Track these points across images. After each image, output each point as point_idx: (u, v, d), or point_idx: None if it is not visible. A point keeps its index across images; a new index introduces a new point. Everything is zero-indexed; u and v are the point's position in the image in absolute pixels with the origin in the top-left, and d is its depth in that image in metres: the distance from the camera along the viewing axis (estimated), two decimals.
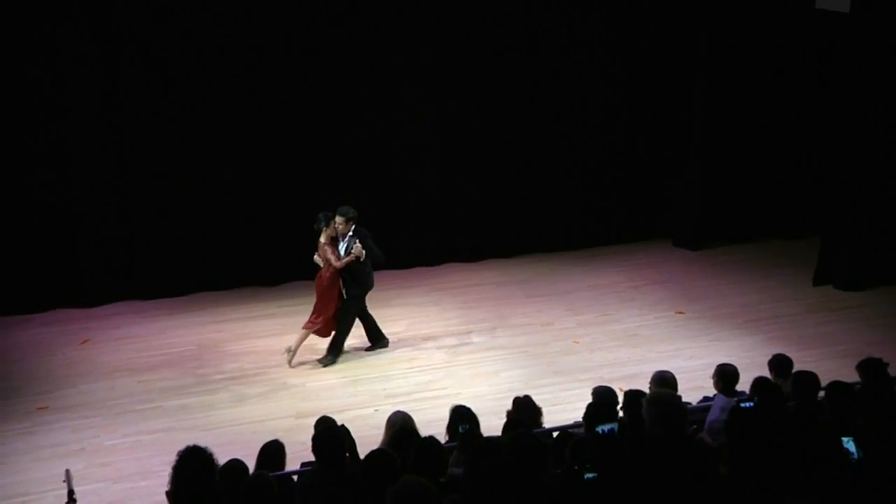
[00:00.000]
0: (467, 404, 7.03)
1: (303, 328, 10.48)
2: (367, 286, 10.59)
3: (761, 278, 12.65)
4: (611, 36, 13.33)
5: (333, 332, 10.53)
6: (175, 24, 11.67)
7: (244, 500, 5.26)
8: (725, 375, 7.48)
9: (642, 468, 5.28)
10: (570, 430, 6.81)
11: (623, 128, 13.69)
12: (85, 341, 11.19)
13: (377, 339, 10.84)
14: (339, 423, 6.58)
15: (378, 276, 12.89)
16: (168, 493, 5.80)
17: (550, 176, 13.53)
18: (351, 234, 10.28)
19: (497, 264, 13.33)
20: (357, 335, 10.81)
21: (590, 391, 7.27)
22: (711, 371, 7.67)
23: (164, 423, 9.37)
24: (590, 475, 5.14)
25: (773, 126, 13.62)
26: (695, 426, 7.06)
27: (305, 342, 10.52)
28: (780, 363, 7.69)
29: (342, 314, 10.51)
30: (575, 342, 10.98)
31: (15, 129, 11.43)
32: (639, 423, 5.98)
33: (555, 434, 6.88)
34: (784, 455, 5.44)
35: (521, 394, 7.40)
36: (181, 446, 5.78)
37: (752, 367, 8.17)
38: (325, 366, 10.46)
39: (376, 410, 9.16)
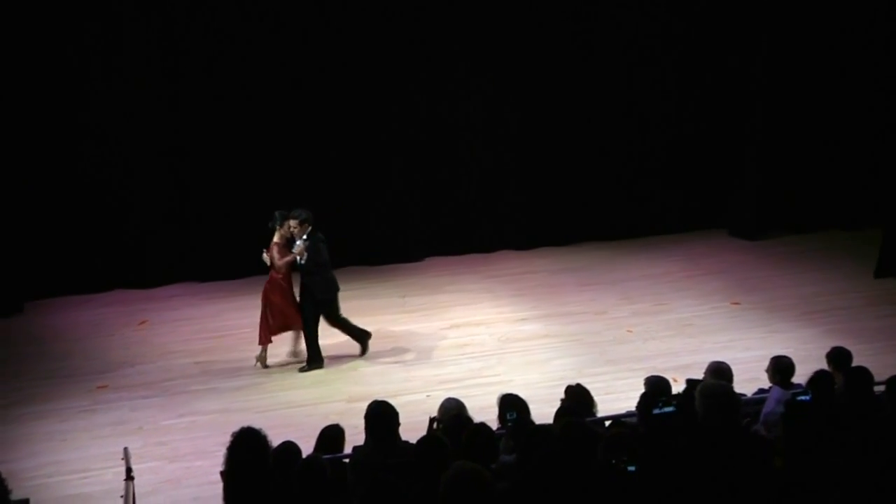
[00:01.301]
0: (518, 392, 7.02)
1: (259, 343, 10.10)
2: (326, 293, 10.01)
3: (820, 269, 12.43)
4: (668, 20, 13.16)
5: (306, 347, 10.09)
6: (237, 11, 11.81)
7: (297, 482, 5.31)
8: (781, 367, 7.38)
9: (694, 459, 5.23)
10: (622, 420, 6.77)
11: (681, 115, 13.53)
12: (143, 322, 11.38)
13: (362, 339, 10.34)
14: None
15: (432, 262, 13.01)
16: (222, 474, 5.88)
17: (606, 163, 13.43)
18: (305, 237, 9.81)
19: (551, 252, 13.28)
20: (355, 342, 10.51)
21: (643, 381, 7.21)
22: (766, 363, 7.57)
23: (218, 405, 9.50)
24: (630, 468, 5.10)
25: (835, 114, 13.35)
26: (749, 418, 6.97)
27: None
28: (838, 356, 7.55)
29: (304, 322, 10.02)
30: (628, 331, 10.90)
31: (76, 112, 11.65)
32: (693, 412, 5.92)
33: (607, 423, 6.84)
34: (840, 450, 5.35)
35: (572, 382, 7.37)
36: (235, 427, 5.84)
37: (809, 360, 8.05)
38: (301, 371, 10.08)
39: (428, 396, 9.19)
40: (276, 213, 9.95)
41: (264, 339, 10.10)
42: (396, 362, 10.32)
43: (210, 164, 12.15)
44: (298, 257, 9.85)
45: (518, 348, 10.56)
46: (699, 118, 13.57)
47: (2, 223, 11.37)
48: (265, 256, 9.95)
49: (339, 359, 10.38)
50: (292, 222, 9.80)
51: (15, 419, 9.26)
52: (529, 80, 12.90)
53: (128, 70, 11.70)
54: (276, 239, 9.93)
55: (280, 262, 9.90)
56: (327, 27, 12.11)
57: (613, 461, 5.14)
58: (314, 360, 10.12)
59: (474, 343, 10.69)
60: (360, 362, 10.29)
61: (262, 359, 10.15)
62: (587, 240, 13.48)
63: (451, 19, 12.50)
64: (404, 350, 10.59)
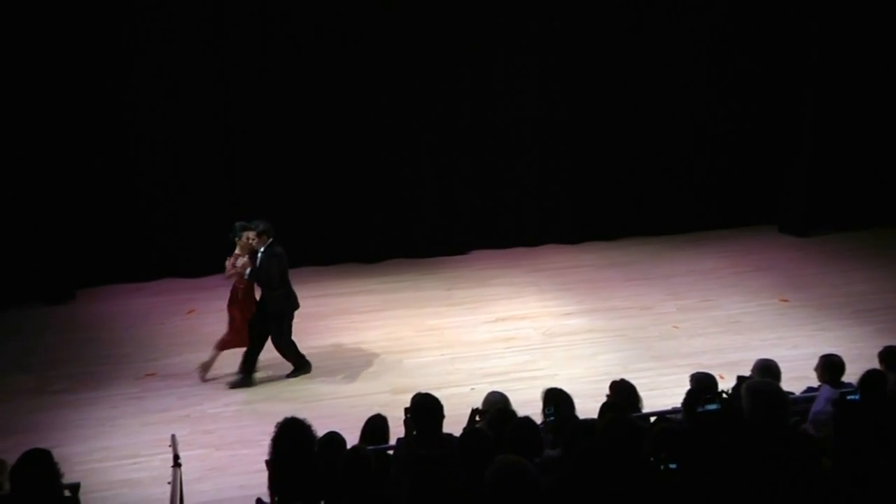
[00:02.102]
0: (563, 386, 7.00)
1: (216, 348, 9.77)
2: (276, 306, 9.55)
3: (872, 267, 12.23)
4: (720, 15, 13.02)
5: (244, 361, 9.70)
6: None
7: (342, 473, 5.35)
8: (831, 366, 7.27)
9: (739, 457, 5.18)
10: (667, 416, 6.72)
11: (730, 110, 13.38)
12: (191, 311, 11.52)
13: (300, 365, 9.85)
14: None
15: (477, 255, 12.99)
16: (268, 462, 5.94)
17: (654, 158, 13.33)
18: (262, 250, 9.43)
19: (597, 247, 13.21)
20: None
21: (688, 377, 7.15)
22: (815, 361, 7.47)
23: (264, 394, 9.59)
24: (672, 465, 5.06)
25: (888, 110, 13.12)
26: (797, 417, 6.89)
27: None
28: (890, 355, 7.40)
29: (253, 337, 9.64)
30: (674, 327, 10.82)
31: (129, 101, 11.80)
32: (740, 410, 5.86)
33: (652, 419, 6.79)
34: (891, 451, 5.27)
35: (617, 377, 7.33)
36: (280, 417, 5.90)
37: (860, 359, 7.92)
38: (231, 387, 9.64)
39: (472, 389, 9.18)
40: (237, 224, 9.60)
41: (225, 348, 9.74)
42: (441, 355, 10.33)
43: (260, 157, 12.25)
44: (242, 275, 9.48)
45: (563, 343, 10.53)
46: (750, 113, 13.41)
47: (55, 212, 11.56)
48: (227, 264, 9.61)
49: (384, 352, 10.42)
50: (250, 234, 9.43)
51: (67, 404, 9.43)
52: (580, 73, 12.83)
53: (179, 57, 11.81)
54: (237, 250, 9.55)
55: (225, 275, 9.63)
56: (380, 13, 12.12)
57: (654, 458, 5.11)
58: (301, 366, 9.83)
59: (519, 337, 10.67)
60: (403, 356, 10.31)
61: (204, 366, 9.75)
62: (634, 235, 13.40)
63: (504, 9, 12.47)
64: (449, 343, 10.59)
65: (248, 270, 9.51)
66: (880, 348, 7.58)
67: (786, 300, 11.42)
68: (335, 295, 11.84)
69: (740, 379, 6.62)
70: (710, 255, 12.81)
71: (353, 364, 10.17)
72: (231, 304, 9.76)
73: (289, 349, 9.82)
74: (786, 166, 13.48)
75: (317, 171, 12.38)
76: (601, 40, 12.76)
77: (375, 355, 10.33)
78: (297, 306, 9.77)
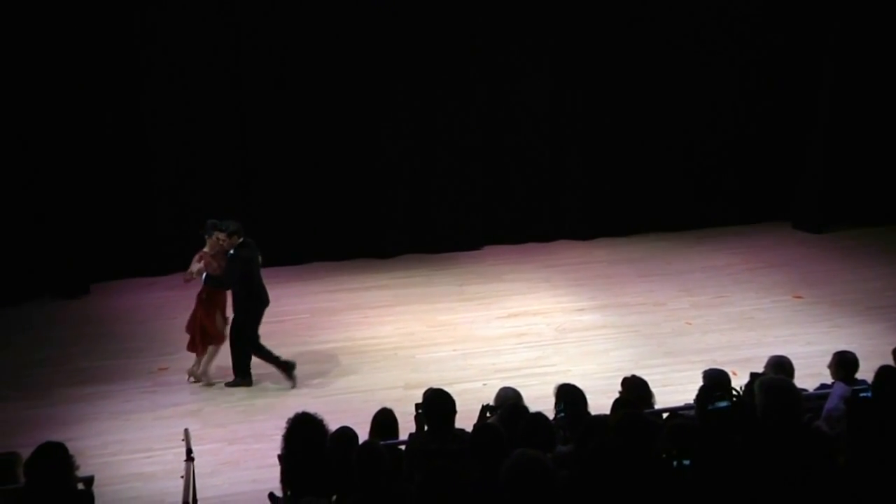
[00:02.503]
0: (576, 382, 6.99)
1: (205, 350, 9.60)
2: (240, 306, 9.41)
3: (886, 264, 12.19)
4: (735, 11, 12.96)
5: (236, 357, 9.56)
6: None
7: (356, 467, 5.35)
8: (845, 363, 7.24)
9: (752, 454, 5.16)
10: (679, 413, 6.71)
11: (744, 106, 13.34)
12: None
13: (244, 376, 9.58)
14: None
15: (490, 251, 12.98)
16: (280, 457, 5.95)
17: (668, 154, 13.29)
18: (233, 251, 9.27)
19: (610, 242, 13.20)
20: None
21: (701, 374, 7.13)
22: (829, 358, 7.44)
23: (276, 389, 9.61)
24: (685, 461, 5.05)
25: None
26: (810, 414, 6.86)
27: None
28: None
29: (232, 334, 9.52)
30: (687, 323, 10.79)
31: (142, 96, 11.83)
32: (752, 406, 5.84)
33: (664, 416, 6.78)
34: None
35: (630, 374, 7.32)
36: (292, 412, 5.91)
37: (874, 356, 7.87)
38: (226, 385, 9.60)
39: (485, 385, 9.19)
40: (209, 222, 9.42)
41: (192, 349, 9.64)
42: (453, 350, 10.33)
43: (273, 152, 12.26)
44: (193, 276, 9.40)
45: (576, 338, 10.52)
46: (764, 109, 13.36)
47: (70, 207, 11.61)
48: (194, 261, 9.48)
49: (396, 347, 10.42)
50: (220, 235, 9.25)
51: (82, 398, 9.47)
52: (592, 68, 12.80)
53: (193, 54, 11.83)
54: (206, 248, 9.40)
55: (189, 270, 9.45)
56: (395, 7, 12.12)
57: (667, 455, 5.10)
58: (243, 377, 9.59)
59: (531, 332, 10.67)
60: (415, 351, 10.31)
61: (193, 372, 9.67)
62: (647, 231, 13.37)
63: (518, 3, 12.44)
64: (461, 338, 10.60)
65: (203, 274, 9.40)
66: (895, 345, 7.55)
67: (800, 297, 11.38)
68: (348, 290, 11.86)
69: (753, 375, 6.59)
70: (724, 252, 12.77)
71: (366, 359, 10.19)
72: (197, 304, 9.56)
73: (240, 352, 9.49)
74: (800, 162, 13.42)
75: (330, 167, 12.40)
76: (615, 36, 12.72)
77: (388, 350, 10.35)
78: (265, 303, 9.54)
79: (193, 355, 9.73)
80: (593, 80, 12.84)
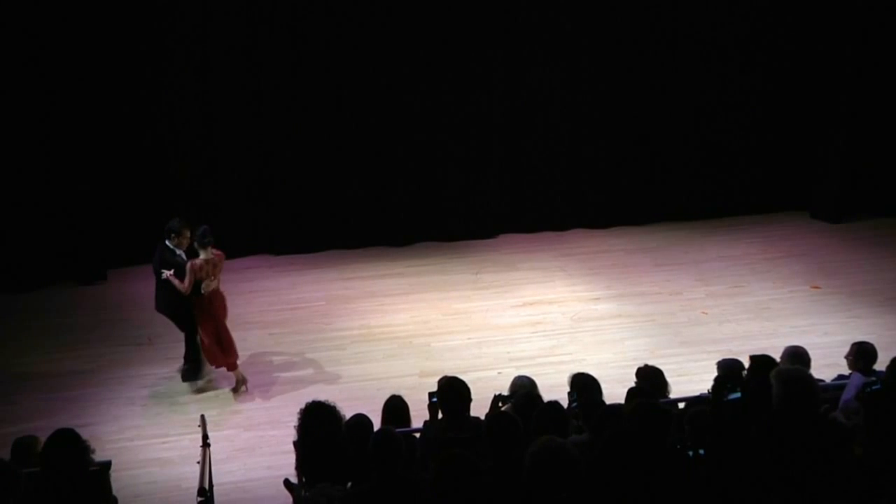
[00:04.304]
0: (591, 371, 6.99)
1: (230, 370, 9.37)
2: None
3: None
4: (754, 2, 12.87)
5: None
6: None
7: (372, 454, 5.37)
8: (864, 353, 7.20)
9: (768, 444, 5.14)
10: (695, 402, 6.69)
11: (764, 94, 13.24)
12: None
13: (196, 367, 9.51)
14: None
15: (505, 240, 13.01)
16: (295, 444, 5.97)
17: (684, 143, 13.22)
18: (185, 255, 9.25)
19: (626, 231, 13.15)
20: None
21: (716, 364, 7.10)
22: (847, 348, 7.40)
23: (292, 376, 9.64)
24: (701, 451, 5.04)
25: None
26: (827, 405, 6.83)
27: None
28: None
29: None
30: (703, 313, 10.76)
31: (158, 86, 11.84)
32: (765, 394, 5.80)
33: (680, 405, 6.77)
34: None
35: (645, 363, 7.31)
36: (308, 399, 5.93)
37: (892, 347, 7.84)
38: (184, 380, 9.48)
39: (499, 373, 9.20)
40: (203, 229, 9.19)
41: (220, 362, 9.38)
42: (468, 339, 10.34)
43: (287, 139, 12.27)
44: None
45: (591, 327, 10.50)
46: (783, 98, 13.26)
47: (87, 193, 11.65)
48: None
49: (411, 335, 10.44)
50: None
51: (100, 383, 9.53)
52: (608, 56, 12.74)
53: (212, 45, 11.83)
54: (202, 256, 9.14)
55: (204, 287, 9.18)
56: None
57: (681, 445, 5.09)
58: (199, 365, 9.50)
59: (547, 321, 10.66)
60: (430, 339, 10.31)
61: (239, 380, 9.36)
62: (663, 220, 13.31)
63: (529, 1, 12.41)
64: (476, 327, 10.59)
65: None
66: None
67: (817, 287, 11.32)
68: (363, 278, 11.88)
69: (754, 360, 6.49)
70: (741, 241, 12.72)
71: (381, 347, 10.20)
72: (206, 316, 9.28)
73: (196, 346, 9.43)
74: (818, 152, 13.32)
75: (346, 155, 12.39)
76: (631, 23, 12.64)
77: (403, 338, 10.36)
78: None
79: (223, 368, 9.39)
80: (610, 68, 12.78)
